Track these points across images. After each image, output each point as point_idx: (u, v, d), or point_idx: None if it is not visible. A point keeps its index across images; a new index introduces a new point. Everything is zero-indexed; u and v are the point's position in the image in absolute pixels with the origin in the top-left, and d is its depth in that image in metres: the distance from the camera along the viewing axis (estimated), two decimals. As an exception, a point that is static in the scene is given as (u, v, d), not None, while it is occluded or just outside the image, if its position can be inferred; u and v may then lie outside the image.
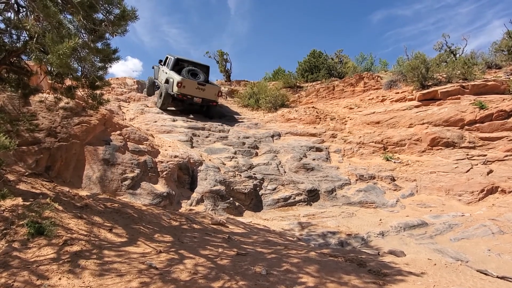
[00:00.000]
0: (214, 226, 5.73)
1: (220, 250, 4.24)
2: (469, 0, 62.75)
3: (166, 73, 13.06)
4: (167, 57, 14.09)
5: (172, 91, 12.15)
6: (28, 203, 4.07)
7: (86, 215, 4.38)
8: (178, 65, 13.26)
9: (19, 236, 3.41)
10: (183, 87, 12.00)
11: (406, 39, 68.44)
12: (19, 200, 4.14)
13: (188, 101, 12.52)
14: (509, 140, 10.06)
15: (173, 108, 13.16)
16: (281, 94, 16.10)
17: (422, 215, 7.55)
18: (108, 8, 3.27)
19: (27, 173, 5.47)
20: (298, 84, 19.17)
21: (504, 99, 11.55)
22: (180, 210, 6.74)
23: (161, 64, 14.34)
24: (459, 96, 12.47)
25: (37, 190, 4.85)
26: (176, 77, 12.17)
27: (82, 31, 3.45)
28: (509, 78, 13.67)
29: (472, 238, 6.30)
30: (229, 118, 13.77)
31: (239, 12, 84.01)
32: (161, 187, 6.95)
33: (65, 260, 3.17)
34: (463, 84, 12.98)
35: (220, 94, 13.13)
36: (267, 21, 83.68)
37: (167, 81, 12.59)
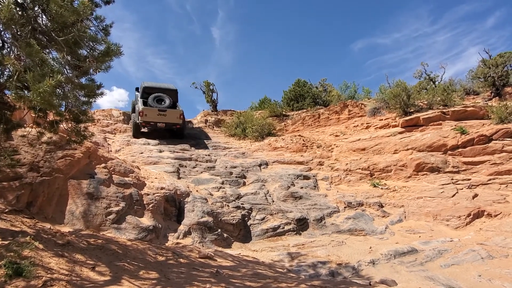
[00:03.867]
0: (202, 260, 5.57)
1: (208, 285, 4.10)
2: (445, 29, 65.89)
3: (138, 101, 13.81)
4: (141, 85, 14.67)
5: (138, 120, 12.96)
6: (6, 242, 3.91)
7: (67, 253, 4.21)
8: (147, 92, 13.92)
9: (-5, 278, 3.24)
10: (145, 115, 12.83)
11: (387, 66, 70.88)
12: (-3, 240, 3.97)
13: (153, 127, 13.37)
14: (491, 164, 10.28)
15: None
16: (268, 123, 16.26)
17: (412, 241, 7.52)
18: (93, 45, 3.31)
19: (7, 210, 5.29)
20: (284, 112, 19.44)
21: (483, 124, 11.91)
22: (166, 244, 6.56)
23: (137, 92, 14.96)
24: (440, 122, 12.83)
25: (16, 228, 4.67)
26: (140, 107, 13.04)
27: (66, 67, 3.46)
28: (487, 104, 14.17)
29: (462, 264, 6.28)
30: (216, 147, 13.77)
31: (223, 43, 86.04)
32: (147, 221, 6.79)
33: (44, 303, 3.01)
34: (444, 110, 13.38)
35: (182, 116, 13.68)
36: (252, 51, 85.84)
37: (135, 111, 13.46)
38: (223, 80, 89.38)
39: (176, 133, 14.18)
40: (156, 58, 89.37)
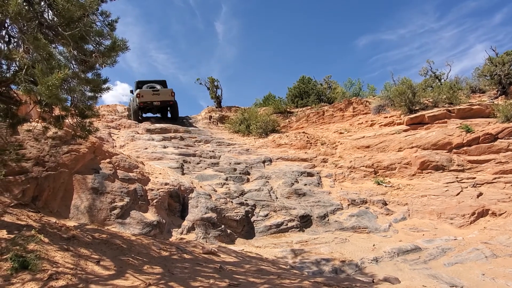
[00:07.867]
0: (206, 256, 5.60)
1: (211, 281, 4.12)
2: (451, 25, 65.33)
3: (134, 93, 16.16)
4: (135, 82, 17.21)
5: (137, 104, 15.20)
6: (12, 236, 3.94)
7: (73, 247, 4.25)
8: (140, 85, 16.41)
9: (2, 271, 3.27)
10: (142, 96, 15.21)
11: (392, 63, 70.47)
12: (3, 233, 4.01)
13: (150, 106, 15.73)
14: (496, 163, 10.21)
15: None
16: (272, 120, 16.23)
17: (415, 239, 7.50)
18: (99, 40, 3.31)
19: (12, 204, 5.33)
20: (288, 109, 19.39)
21: (489, 123, 11.82)
22: (170, 239, 6.59)
23: (131, 92, 17.29)
24: (445, 120, 12.74)
25: (22, 221, 4.71)
26: (136, 92, 15.34)
27: (73, 62, 3.47)
28: (493, 102, 14.06)
29: (466, 262, 6.26)
30: (220, 144, 13.77)
31: (227, 38, 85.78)
32: (151, 216, 6.82)
33: (50, 296, 3.04)
34: (449, 108, 13.29)
35: (173, 94, 15.84)
36: (255, 47, 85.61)
37: (133, 100, 15.70)
38: (226, 75, 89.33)
39: (172, 114, 16.68)
40: (159, 53, 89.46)
